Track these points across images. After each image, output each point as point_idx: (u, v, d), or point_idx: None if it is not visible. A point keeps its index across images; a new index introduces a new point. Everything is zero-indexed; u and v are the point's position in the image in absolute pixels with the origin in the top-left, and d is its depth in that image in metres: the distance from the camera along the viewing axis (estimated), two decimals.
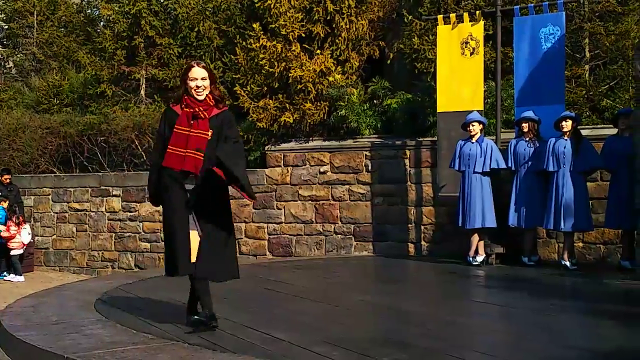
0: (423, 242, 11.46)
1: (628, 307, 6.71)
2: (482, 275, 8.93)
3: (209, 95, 5.27)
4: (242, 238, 12.65)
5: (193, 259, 5.16)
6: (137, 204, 13.55)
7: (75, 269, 14.21)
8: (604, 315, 6.15)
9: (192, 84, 5.22)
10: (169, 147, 5.17)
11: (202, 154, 5.14)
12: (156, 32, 15.69)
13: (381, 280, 9.32)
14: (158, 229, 13.24)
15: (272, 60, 12.71)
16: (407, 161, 11.62)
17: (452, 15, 10.64)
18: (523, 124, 9.67)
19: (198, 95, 5.22)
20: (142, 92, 16.06)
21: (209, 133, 5.19)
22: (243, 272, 9.28)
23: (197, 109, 5.20)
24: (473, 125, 9.65)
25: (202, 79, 5.22)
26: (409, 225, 11.57)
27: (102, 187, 14.01)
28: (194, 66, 5.28)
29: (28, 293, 7.88)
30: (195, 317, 5.45)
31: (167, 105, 5.60)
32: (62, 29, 20.04)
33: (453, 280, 8.77)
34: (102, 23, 17.98)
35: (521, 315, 6.21)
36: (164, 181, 5.25)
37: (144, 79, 16.06)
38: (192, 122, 5.18)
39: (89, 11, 18.49)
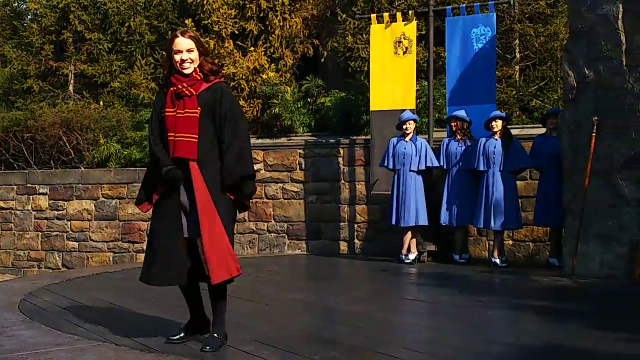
0: (356, 240, 11.48)
1: (554, 303, 6.84)
2: (414, 273, 8.99)
3: (196, 69, 4.61)
4: None
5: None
6: (65, 202, 13.20)
7: (0, 268, 13.77)
8: (530, 311, 6.25)
9: (176, 57, 4.56)
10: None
11: (196, 137, 4.52)
12: (85, 26, 15.31)
13: (313, 278, 9.29)
14: (86, 228, 12.96)
15: None
16: (340, 159, 11.62)
17: (386, 15, 10.69)
18: (452, 123, 9.78)
19: (184, 69, 4.57)
20: (71, 87, 15.65)
21: (198, 110, 4.54)
22: None
23: (180, 86, 4.55)
24: (409, 124, 9.69)
25: (188, 50, 4.55)
26: (342, 223, 11.58)
27: (29, 185, 13.59)
28: (177, 36, 4.59)
29: None
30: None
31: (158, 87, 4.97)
32: None
33: (385, 278, 8.79)
34: (29, 17, 17.45)
35: (450, 311, 6.26)
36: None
37: (73, 75, 15.67)
38: (177, 102, 4.54)
39: (16, 4, 17.92)
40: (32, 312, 6.04)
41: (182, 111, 4.52)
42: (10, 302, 6.59)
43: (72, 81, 15.68)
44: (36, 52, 15.63)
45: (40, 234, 13.43)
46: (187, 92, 4.54)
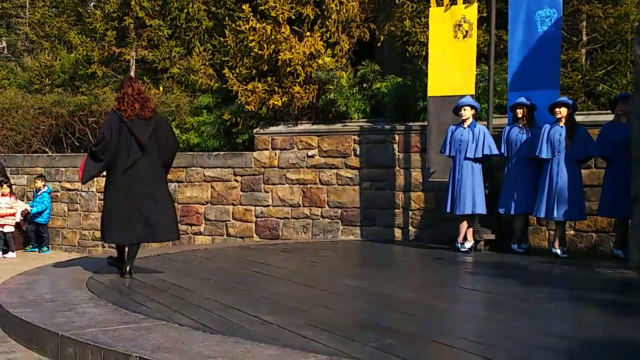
0: (410, 228, 11.36)
1: (618, 296, 6.60)
2: (470, 262, 8.82)
3: None
4: (229, 220, 12.59)
5: None
6: None
7: (67, 247, 14.25)
8: (594, 304, 6.04)
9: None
10: None
11: None
12: (146, 13, 15.53)
13: (367, 264, 9.18)
14: None
15: (261, 42, 12.54)
16: (396, 146, 11.50)
17: None
18: (517, 110, 9.52)
19: None
20: (132, 73, 15.84)
21: None
22: (230, 254, 9.22)
23: None
24: (465, 110, 9.49)
25: None
26: (397, 210, 11.47)
27: None
28: None
29: (22, 270, 7.80)
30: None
31: None
32: (54, 9, 19.89)
33: (440, 266, 8.65)
34: (92, 3, 17.80)
35: (508, 302, 6.10)
36: None
37: (134, 60, 15.90)
38: None
39: None
40: (99, 290, 6.21)
41: None
42: (79, 279, 6.82)
43: (133, 67, 15.91)
44: (100, 39, 15.95)
45: None
46: None
